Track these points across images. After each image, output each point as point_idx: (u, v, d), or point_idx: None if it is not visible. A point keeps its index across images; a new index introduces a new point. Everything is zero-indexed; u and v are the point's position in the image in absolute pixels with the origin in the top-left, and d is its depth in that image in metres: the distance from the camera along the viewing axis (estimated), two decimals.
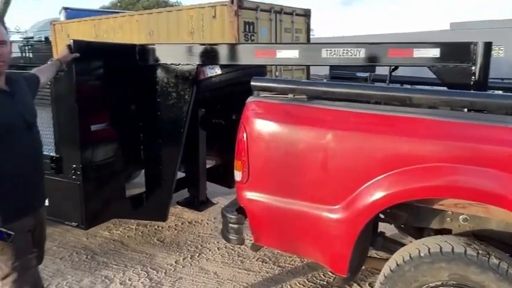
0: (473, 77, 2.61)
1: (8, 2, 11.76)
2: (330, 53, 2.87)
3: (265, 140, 2.34)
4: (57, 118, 2.97)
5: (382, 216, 2.45)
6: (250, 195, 2.43)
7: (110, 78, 3.09)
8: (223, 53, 3.11)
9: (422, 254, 1.97)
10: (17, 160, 1.97)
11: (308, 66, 8.57)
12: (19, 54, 18.60)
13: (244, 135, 2.38)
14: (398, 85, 3.76)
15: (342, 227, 2.17)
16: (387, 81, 3.17)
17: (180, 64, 3.19)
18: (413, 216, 2.36)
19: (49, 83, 2.93)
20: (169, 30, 8.37)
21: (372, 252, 2.95)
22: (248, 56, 3.02)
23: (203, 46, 3.20)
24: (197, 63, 3.14)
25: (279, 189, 2.35)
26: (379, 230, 2.66)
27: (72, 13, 13.20)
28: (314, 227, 2.27)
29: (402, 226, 2.65)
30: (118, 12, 12.70)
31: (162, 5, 31.78)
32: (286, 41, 8.25)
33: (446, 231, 2.32)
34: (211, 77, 3.27)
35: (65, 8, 14.45)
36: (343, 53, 2.85)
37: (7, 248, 1.89)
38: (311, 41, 9.34)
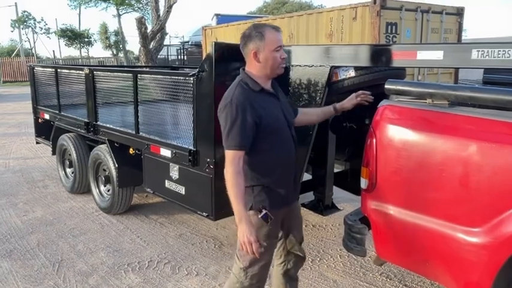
0: None
1: (170, 10, 13.23)
2: (482, 54, 2.52)
3: (396, 147, 2.17)
4: (197, 115, 3.21)
5: None
6: (376, 205, 2.28)
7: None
8: (357, 54, 2.97)
9: None
10: (283, 155, 2.20)
11: (457, 70, 7.79)
12: (175, 57, 20.89)
13: (374, 141, 2.24)
14: None
15: (482, 254, 1.89)
16: None
17: (313, 66, 3.16)
18: None
19: (192, 82, 3.19)
20: (308, 32, 8.45)
21: None
22: (385, 57, 2.83)
23: (337, 47, 3.12)
24: (331, 65, 3.08)
25: (408, 202, 2.15)
26: None
27: (223, 19, 14.29)
28: (447, 248, 2.02)
29: None
30: (262, 17, 13.32)
31: (306, 8, 32.32)
32: (433, 42, 7.61)
33: None
34: (344, 79, 3.17)
35: (216, 15, 15.74)
36: (499, 54, 2.48)
37: (264, 228, 2.17)
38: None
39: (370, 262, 3.49)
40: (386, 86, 2.23)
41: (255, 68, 2.15)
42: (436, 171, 2.02)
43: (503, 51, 2.47)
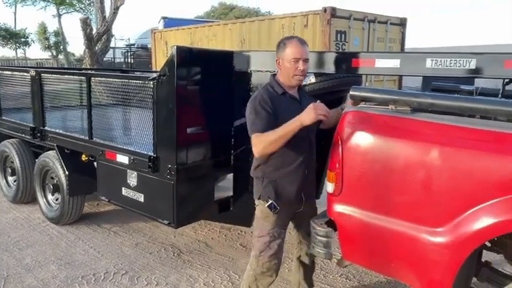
0: None
1: (117, 11, 12.84)
2: (436, 63, 2.67)
3: (362, 152, 2.23)
4: (157, 120, 3.13)
5: (488, 244, 2.22)
6: (342, 208, 2.33)
7: (207, 83, 3.19)
8: (318, 61, 3.04)
9: None
10: (294, 155, 2.40)
11: (400, 77, 8.19)
12: (122, 60, 20.26)
13: (340, 146, 2.29)
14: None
15: (444, 253, 1.99)
16: (499, 96, 2.87)
17: (274, 71, 3.18)
18: None
19: (151, 86, 3.10)
20: (261, 38, 8.54)
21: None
22: (345, 64, 2.92)
23: None
24: None
25: (373, 205, 2.22)
26: (483, 260, 2.41)
27: (170, 22, 14.09)
28: (411, 249, 2.10)
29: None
30: (212, 22, 13.28)
31: (254, 15, 32.62)
32: (379, 50, 7.97)
33: None
34: (305, 85, 3.22)
35: (164, 18, 15.49)
36: (451, 63, 2.64)
37: (271, 217, 2.44)
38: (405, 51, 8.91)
39: (330, 264, 3.57)
40: (351, 93, 2.29)
41: (279, 74, 2.48)
42: (399, 175, 2.10)
43: (454, 60, 2.64)
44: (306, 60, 2.40)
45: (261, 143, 2.27)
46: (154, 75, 3.07)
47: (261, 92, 2.43)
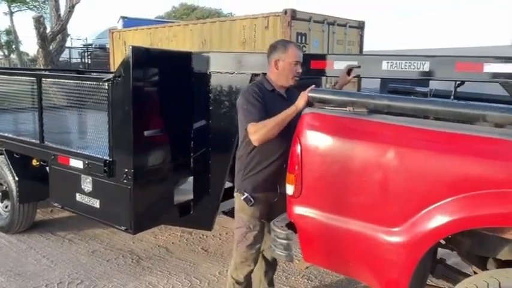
0: None
1: (72, 10, 12.39)
2: (391, 65, 2.74)
3: (320, 154, 2.24)
4: (113, 122, 3.02)
5: (443, 242, 2.28)
6: (302, 210, 2.32)
7: (165, 85, 3.11)
8: None
9: None
10: (275, 149, 2.49)
11: (359, 79, 8.36)
12: (79, 60, 19.61)
13: (299, 148, 2.29)
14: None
15: (400, 252, 2.02)
16: (451, 97, 2.97)
17: (234, 73, 3.16)
18: (479, 244, 2.17)
19: (106, 87, 2.99)
20: (222, 40, 8.46)
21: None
22: (305, 67, 2.93)
23: (258, 55, 3.16)
24: (252, 72, 3.10)
25: (332, 206, 2.23)
26: (439, 257, 2.48)
27: (130, 22, 13.70)
28: (369, 248, 2.13)
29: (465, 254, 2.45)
30: (172, 22, 13.08)
31: (215, 15, 32.45)
32: (339, 53, 8.09)
33: None
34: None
35: (123, 17, 15.07)
36: (406, 65, 2.71)
37: (247, 209, 2.55)
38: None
39: (292, 265, 3.57)
40: (310, 94, 2.29)
41: (273, 74, 2.57)
42: (357, 176, 2.12)
43: (409, 63, 2.70)
44: (301, 64, 2.58)
45: (260, 130, 2.35)
46: (110, 76, 2.96)
47: (252, 86, 2.55)
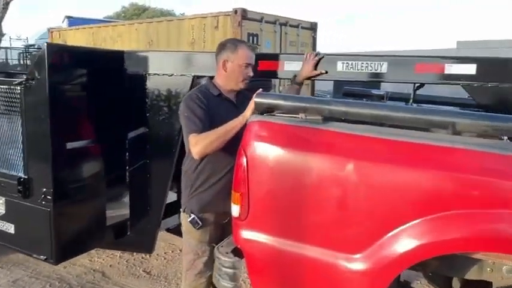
0: None
1: (6, 7, 11.45)
2: (347, 66, 2.48)
3: (270, 169, 1.92)
4: (27, 133, 2.56)
5: None
6: (250, 234, 1.99)
7: (91, 89, 2.70)
8: None
9: None
10: (227, 162, 2.19)
11: (313, 81, 8.20)
12: (18, 61, 18.36)
13: (244, 161, 1.96)
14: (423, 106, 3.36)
15: (364, 281, 1.74)
16: (410, 101, 2.76)
17: (173, 75, 2.79)
18: (446, 264, 1.93)
19: (18, 91, 2.53)
20: (170, 40, 8.04)
21: None
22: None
23: (201, 55, 2.81)
24: (193, 74, 2.75)
25: (285, 230, 1.91)
26: (403, 279, 2.23)
27: (75, 22, 12.99)
28: (328, 278, 1.83)
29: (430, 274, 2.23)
30: (117, 21, 12.44)
31: (167, 16, 31.67)
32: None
33: (485, 283, 1.90)
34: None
35: (68, 17, 14.27)
36: (362, 66, 2.46)
37: (194, 232, 2.27)
38: None
39: None
40: (255, 99, 1.97)
41: (220, 77, 2.30)
42: (312, 195, 1.82)
43: (366, 63, 2.45)
44: (253, 67, 2.33)
45: (200, 143, 2.10)
46: (22, 78, 2.50)
47: (195, 91, 2.28)
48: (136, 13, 37.39)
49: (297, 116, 1.93)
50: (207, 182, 2.26)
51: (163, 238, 3.99)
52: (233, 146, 2.06)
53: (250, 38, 7.16)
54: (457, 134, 1.64)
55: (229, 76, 2.27)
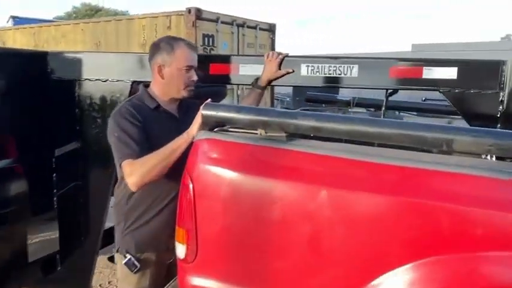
0: (500, 107, 1.98)
1: None
2: (313, 70, 2.13)
3: (222, 199, 1.53)
4: None
5: None
6: (199, 281, 1.58)
7: (7, 98, 2.21)
8: None
9: None
10: (169, 190, 1.82)
11: (272, 86, 7.91)
12: None
13: (191, 190, 1.56)
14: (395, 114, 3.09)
15: None
16: (383, 108, 2.46)
17: (107, 80, 2.35)
18: None
19: None
20: (119, 41, 7.50)
21: None
22: (201, 71, 2.23)
23: (142, 57, 2.38)
24: (132, 79, 2.32)
25: (241, 276, 1.53)
26: None
27: (21, 21, 12.23)
28: None
29: None
30: (61, 21, 11.71)
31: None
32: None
33: None
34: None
35: (13, 17, 13.42)
36: (330, 70, 2.12)
37: (131, 277, 1.87)
38: None
39: None
40: (203, 112, 1.58)
41: (157, 85, 1.91)
42: (275, 232, 1.45)
43: (334, 67, 2.12)
44: (196, 69, 1.93)
45: (138, 171, 1.70)
46: None
47: (126, 105, 1.86)
48: (89, 14, 35.89)
49: (255, 132, 1.56)
50: (145, 214, 1.86)
51: (109, 264, 3.52)
52: (177, 169, 1.65)
53: (206, 39, 6.76)
54: (452, 153, 1.33)
55: (167, 84, 1.88)
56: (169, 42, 1.87)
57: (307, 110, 3.29)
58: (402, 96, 3.02)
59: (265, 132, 1.52)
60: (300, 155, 1.46)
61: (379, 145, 1.49)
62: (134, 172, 1.70)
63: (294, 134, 1.49)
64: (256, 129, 1.55)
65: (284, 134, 1.49)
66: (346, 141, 1.47)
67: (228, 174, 1.52)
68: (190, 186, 1.56)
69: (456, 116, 3.29)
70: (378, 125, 1.41)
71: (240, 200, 1.51)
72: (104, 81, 2.35)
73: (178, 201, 1.63)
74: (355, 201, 1.35)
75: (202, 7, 6.72)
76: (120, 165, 1.74)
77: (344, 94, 3.33)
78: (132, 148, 1.72)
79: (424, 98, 4.75)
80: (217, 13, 7.02)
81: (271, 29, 8.23)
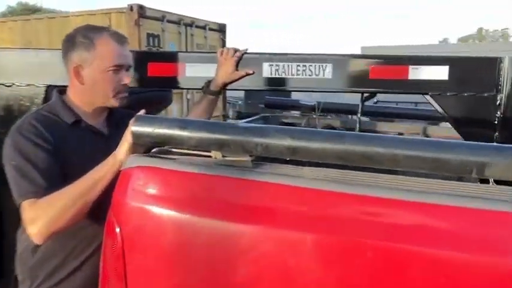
0: (498, 112, 1.70)
1: None
2: (277, 70, 1.74)
3: (162, 250, 1.09)
4: None
5: None
6: None
7: None
8: None
9: None
10: (93, 234, 1.33)
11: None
12: None
13: (119, 239, 1.10)
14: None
15: None
16: (358, 114, 2.12)
17: (13, 85, 1.82)
18: None
19: None
20: (52, 40, 6.78)
21: None
22: (138, 73, 1.77)
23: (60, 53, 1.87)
24: (47, 83, 1.81)
25: None
26: None
27: None
28: None
29: None
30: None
31: None
32: None
33: None
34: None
35: None
36: (298, 71, 1.73)
37: None
38: None
39: None
40: (133, 129, 1.12)
41: (76, 92, 1.44)
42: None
43: (303, 66, 1.73)
44: (129, 68, 1.49)
45: (43, 217, 1.21)
46: None
47: (28, 118, 1.36)
48: (26, 13, 33.72)
49: (208, 154, 1.12)
50: (60, 271, 1.37)
51: None
52: (102, 208, 1.18)
53: (151, 39, 6.23)
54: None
55: (89, 90, 1.41)
56: (87, 35, 1.40)
57: (266, 117, 2.90)
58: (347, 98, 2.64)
59: (222, 156, 1.09)
60: (270, 187, 1.04)
61: (375, 170, 1.11)
62: (38, 218, 1.20)
63: (264, 158, 1.07)
64: (209, 151, 1.12)
65: (249, 158, 1.07)
66: (337, 167, 1.06)
67: (171, 216, 1.08)
68: (118, 233, 1.11)
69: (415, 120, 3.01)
70: (375, 143, 1.01)
71: (189, 252, 1.07)
72: (9, 86, 1.82)
73: (101, 255, 1.17)
74: (345, 249, 0.95)
75: (147, 5, 6.19)
76: (19, 205, 1.24)
77: (305, 98, 2.98)
78: (36, 183, 1.23)
79: (376, 101, 4.51)
80: (163, 11, 6.51)
81: (221, 29, 7.82)
